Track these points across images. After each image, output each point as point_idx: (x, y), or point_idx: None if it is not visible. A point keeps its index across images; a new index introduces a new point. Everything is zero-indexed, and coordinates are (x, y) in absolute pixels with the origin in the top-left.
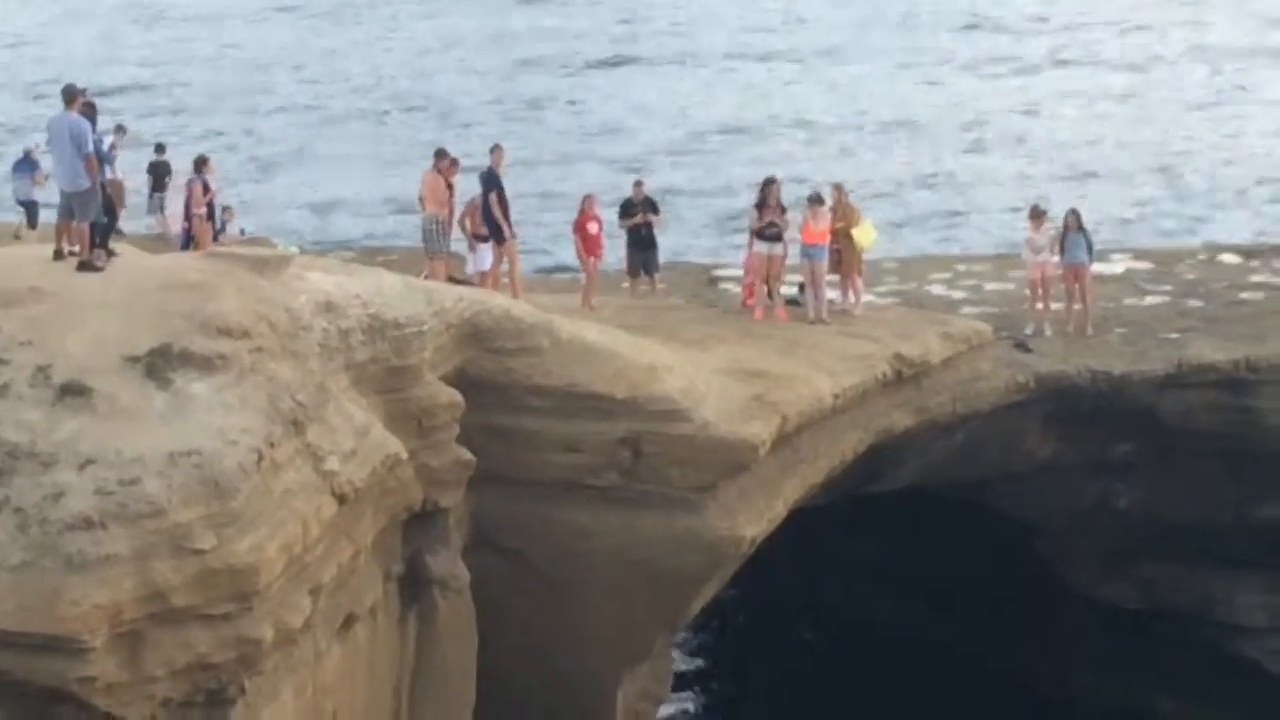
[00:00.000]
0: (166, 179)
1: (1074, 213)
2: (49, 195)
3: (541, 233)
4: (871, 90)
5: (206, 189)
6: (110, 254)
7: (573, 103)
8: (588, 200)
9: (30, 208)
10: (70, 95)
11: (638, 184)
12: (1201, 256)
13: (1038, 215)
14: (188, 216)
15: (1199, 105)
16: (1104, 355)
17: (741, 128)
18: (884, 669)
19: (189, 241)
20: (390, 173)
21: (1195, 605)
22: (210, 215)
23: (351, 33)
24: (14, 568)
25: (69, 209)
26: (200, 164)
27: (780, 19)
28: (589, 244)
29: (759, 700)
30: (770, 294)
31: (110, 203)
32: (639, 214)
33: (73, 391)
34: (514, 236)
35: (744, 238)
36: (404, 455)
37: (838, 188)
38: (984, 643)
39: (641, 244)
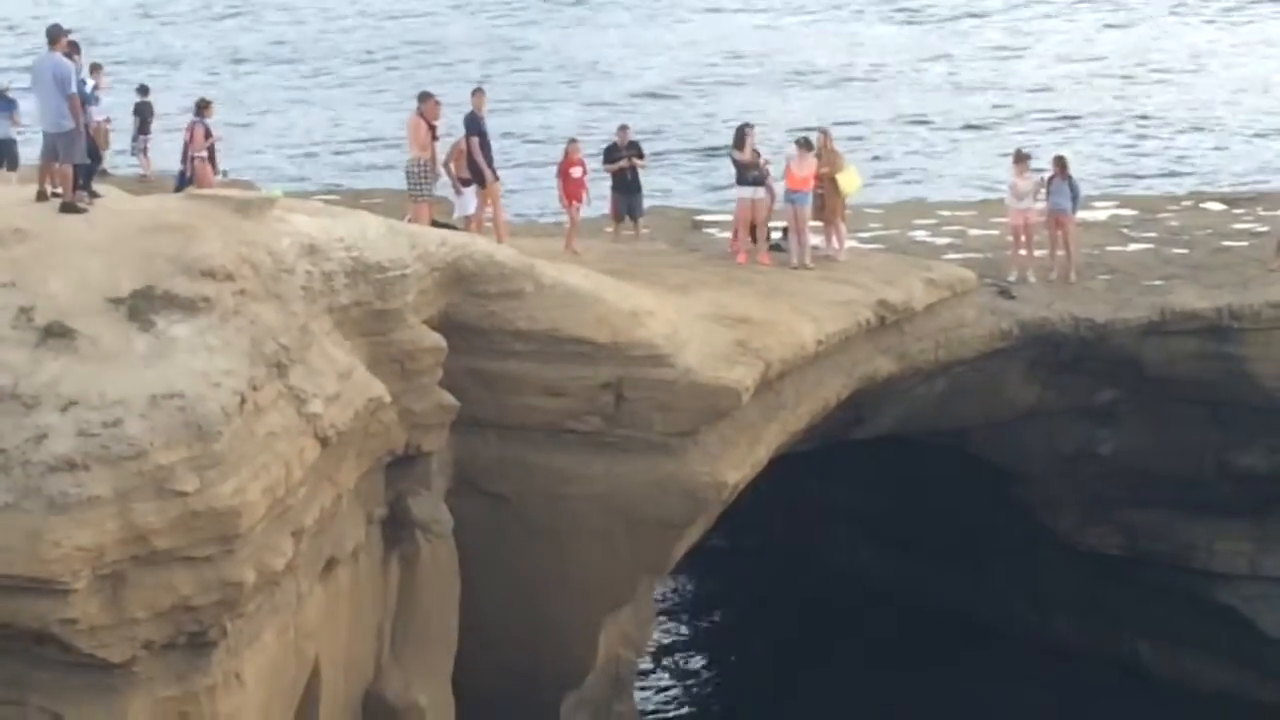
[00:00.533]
0: (150, 120)
1: (1059, 159)
2: (25, 135)
3: (523, 175)
4: (859, 36)
5: (208, 133)
6: (93, 195)
7: (555, 48)
8: (571, 145)
9: (7, 147)
10: (54, 35)
11: (622, 128)
12: (1186, 204)
13: (1021, 160)
14: (185, 159)
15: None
16: (1087, 302)
17: (727, 74)
18: (864, 614)
19: (185, 183)
20: (373, 115)
21: (1175, 552)
22: (212, 158)
23: None
24: None
25: (53, 150)
26: (202, 107)
27: None
28: (571, 188)
29: (738, 645)
30: (754, 239)
31: (93, 144)
32: (623, 158)
33: (55, 333)
34: (496, 180)
35: (726, 183)
36: (387, 399)
37: (823, 133)
38: (965, 589)
39: (626, 188)
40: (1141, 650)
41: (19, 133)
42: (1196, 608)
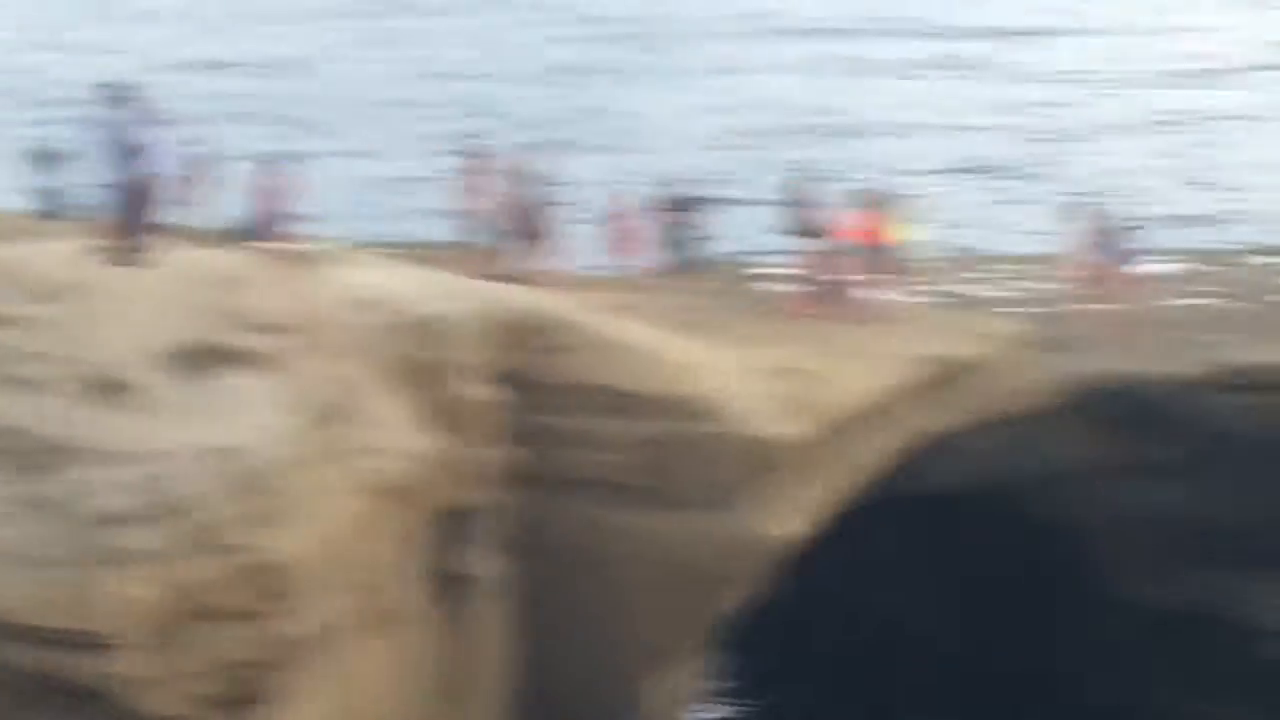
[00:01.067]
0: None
1: (1117, 215)
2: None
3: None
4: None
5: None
6: (146, 249)
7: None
8: (619, 197)
9: (53, 197)
10: (111, 90)
11: (674, 181)
12: (1246, 256)
13: (1081, 211)
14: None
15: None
16: (1145, 357)
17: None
18: (921, 673)
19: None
20: (428, 165)
21: (1248, 613)
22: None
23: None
24: (49, 563)
25: (107, 204)
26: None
27: None
28: (625, 240)
29: (794, 703)
30: (811, 292)
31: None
32: (679, 210)
33: (110, 387)
34: (553, 231)
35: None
36: (437, 454)
37: (880, 188)
38: (1029, 649)
39: (678, 241)
40: (1214, 713)
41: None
42: (1273, 669)
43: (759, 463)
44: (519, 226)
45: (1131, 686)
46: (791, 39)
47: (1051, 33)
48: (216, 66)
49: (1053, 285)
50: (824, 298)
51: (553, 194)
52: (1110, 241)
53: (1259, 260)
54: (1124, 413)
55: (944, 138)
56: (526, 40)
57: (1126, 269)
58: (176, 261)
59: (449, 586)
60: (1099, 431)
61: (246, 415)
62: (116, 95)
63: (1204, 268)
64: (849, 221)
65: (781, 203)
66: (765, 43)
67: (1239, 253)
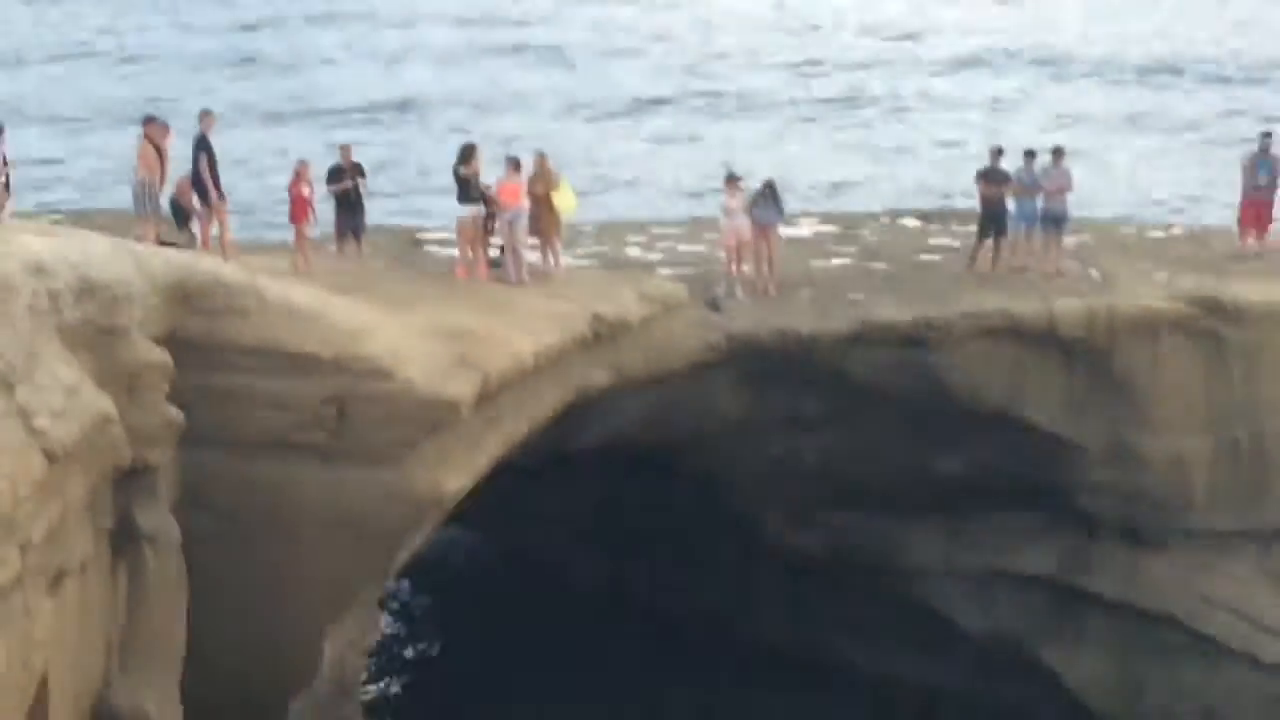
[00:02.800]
0: None
1: (769, 183)
2: None
3: (250, 195)
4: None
5: (4, 160)
6: None
7: (287, 65)
8: (301, 165)
9: None
10: None
11: (344, 148)
12: (884, 220)
13: (733, 180)
14: None
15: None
16: (792, 315)
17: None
18: (583, 619)
19: None
20: (99, 134)
21: (877, 552)
22: (7, 184)
23: None
24: None
25: None
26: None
27: None
28: (299, 207)
29: (460, 647)
30: (475, 256)
31: None
32: (347, 178)
33: None
34: (223, 199)
35: (445, 202)
36: (114, 414)
37: (540, 154)
38: (680, 592)
39: (350, 208)
40: (847, 647)
41: None
42: (899, 606)
43: (428, 420)
44: (192, 194)
45: (779, 626)
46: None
47: None
48: None
49: (705, 248)
50: (488, 261)
51: (220, 162)
52: (764, 204)
53: (900, 223)
54: (773, 368)
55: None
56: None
57: (776, 228)
58: None
59: (125, 545)
60: (750, 387)
61: None
62: None
63: (850, 230)
64: (511, 187)
65: (452, 169)
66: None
67: (877, 216)
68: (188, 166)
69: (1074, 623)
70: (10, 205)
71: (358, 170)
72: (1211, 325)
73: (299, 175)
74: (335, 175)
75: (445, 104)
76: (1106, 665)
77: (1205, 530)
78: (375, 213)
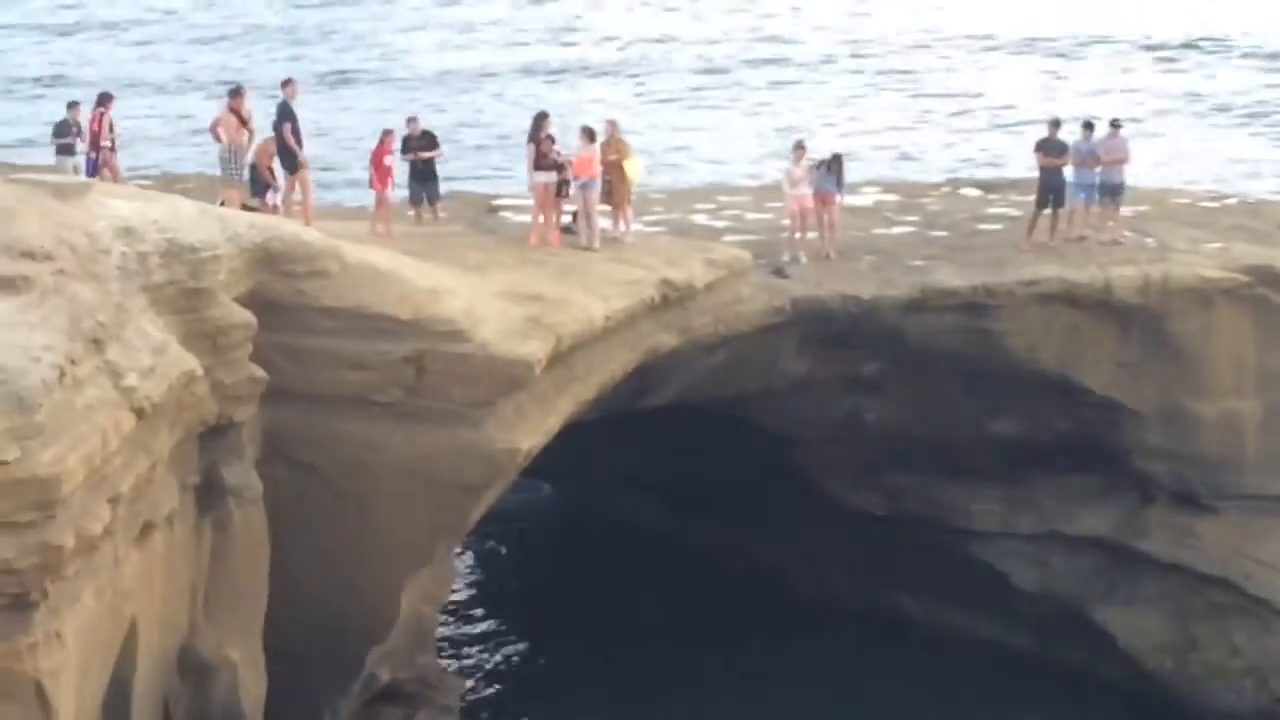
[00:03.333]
0: None
1: (836, 155)
2: None
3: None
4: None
5: (112, 125)
6: None
7: (359, 35)
8: (387, 135)
9: None
10: None
11: (411, 119)
12: (945, 190)
13: (799, 149)
14: (94, 147)
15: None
16: (854, 281)
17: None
18: (653, 571)
19: (95, 169)
20: (187, 100)
21: (936, 512)
22: (113, 147)
23: None
24: None
25: None
26: (105, 99)
27: None
28: (382, 174)
29: (534, 599)
30: (547, 221)
31: None
32: (416, 148)
33: None
34: (306, 165)
35: (520, 168)
36: (199, 372)
37: (611, 123)
38: (746, 546)
39: (421, 176)
40: (907, 603)
41: None
42: (954, 563)
43: (504, 380)
44: (273, 160)
45: (838, 580)
46: None
47: None
48: None
49: (771, 216)
50: (560, 227)
51: (306, 129)
52: (825, 175)
53: (961, 193)
54: (835, 332)
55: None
56: None
57: (839, 199)
58: None
59: (209, 499)
60: (813, 349)
61: (14, 337)
62: None
63: (910, 199)
64: (585, 157)
65: (525, 138)
66: None
67: (942, 185)
68: (268, 133)
69: (1127, 584)
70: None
71: (430, 140)
72: (1263, 293)
73: (383, 144)
74: (406, 146)
75: (518, 74)
76: (1159, 625)
77: (1257, 493)
78: (454, 178)
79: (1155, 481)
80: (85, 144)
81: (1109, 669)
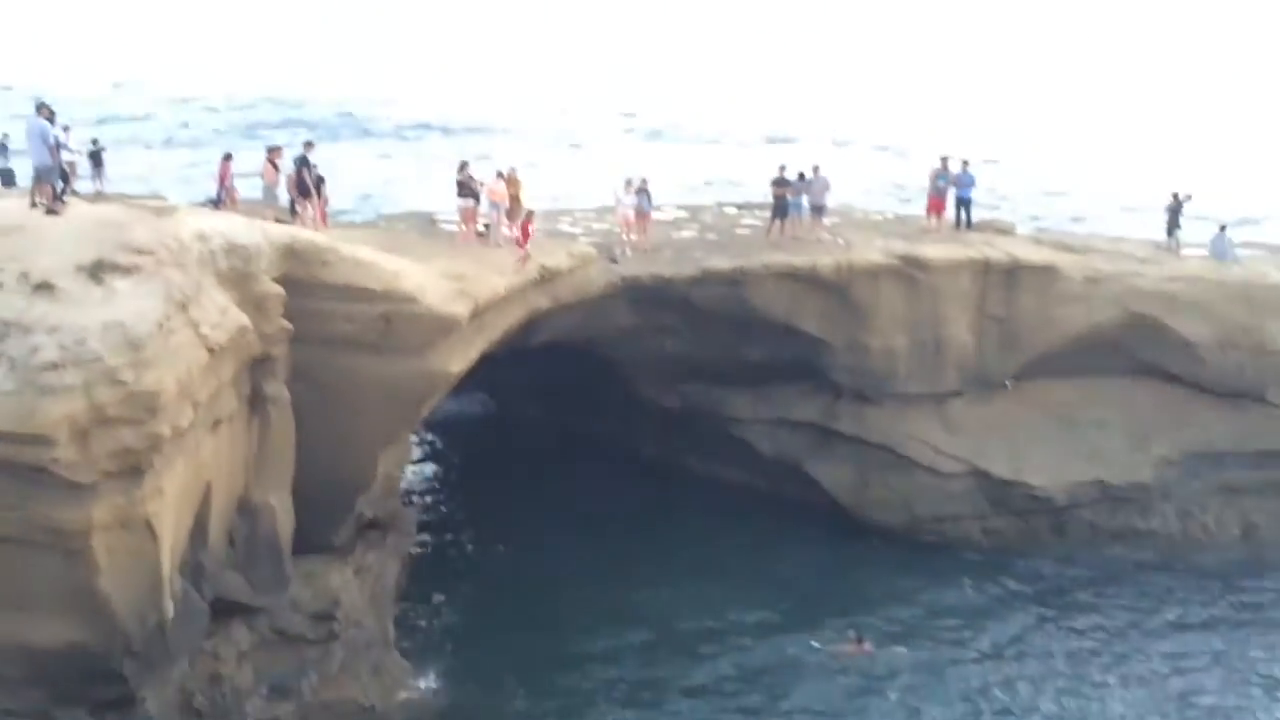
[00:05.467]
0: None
1: (644, 181)
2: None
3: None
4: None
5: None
6: (64, 204)
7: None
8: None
9: (7, 175)
10: (39, 107)
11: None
12: (714, 208)
13: (628, 183)
14: (221, 187)
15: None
16: (661, 265)
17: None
18: (539, 444)
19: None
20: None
21: (711, 407)
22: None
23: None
24: (7, 394)
25: (39, 177)
26: (228, 157)
27: None
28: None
29: (468, 470)
30: (468, 229)
31: (65, 173)
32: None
33: (43, 287)
34: (319, 195)
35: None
36: (249, 325)
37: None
38: (596, 427)
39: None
40: (692, 462)
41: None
42: (726, 439)
43: (442, 328)
44: (297, 191)
45: (654, 449)
46: None
47: None
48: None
49: (607, 225)
50: (477, 233)
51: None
52: (642, 198)
53: (725, 210)
54: (649, 297)
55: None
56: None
57: (650, 214)
58: (84, 212)
59: (257, 404)
60: (635, 308)
61: (131, 303)
62: (42, 107)
63: (693, 215)
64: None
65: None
66: None
67: (712, 208)
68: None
69: (827, 449)
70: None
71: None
72: (910, 272)
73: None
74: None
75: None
76: (847, 474)
77: (904, 393)
78: (406, 202)
79: (844, 387)
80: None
81: (818, 500)
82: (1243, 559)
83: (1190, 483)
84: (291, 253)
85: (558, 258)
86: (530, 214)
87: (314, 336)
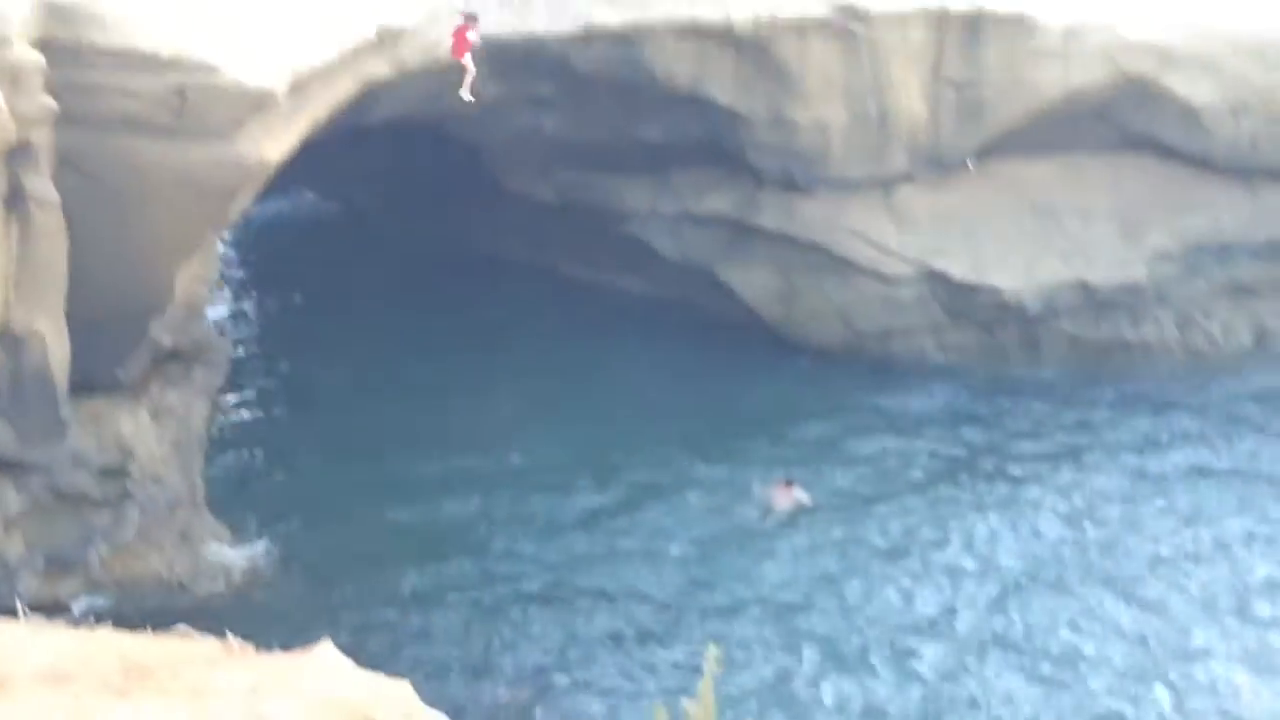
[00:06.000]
0: None
1: None
2: None
3: None
4: None
5: None
6: None
7: None
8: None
9: None
10: None
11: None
12: None
13: None
14: None
15: None
16: (530, 19)
17: None
18: (377, 244)
19: None
20: None
21: (599, 200)
22: None
23: None
24: None
25: None
26: None
27: None
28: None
29: (297, 271)
30: None
31: None
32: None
33: None
34: None
35: None
36: (2, 104)
37: None
38: (454, 228)
39: None
40: (575, 268)
41: None
42: (614, 238)
43: (252, 105)
44: None
45: (526, 254)
46: None
47: None
48: None
49: None
50: None
51: None
52: None
53: None
54: (518, 63)
55: None
56: None
57: None
58: None
59: (16, 204)
60: (501, 75)
61: None
62: None
63: None
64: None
65: None
66: None
67: None
68: None
69: (745, 250)
70: None
71: None
72: (847, 24)
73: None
74: None
75: None
76: (771, 281)
77: (841, 179)
78: None
79: (766, 172)
80: None
81: (734, 314)
82: (1256, 371)
83: (1192, 281)
84: (53, 9)
85: (402, 12)
86: None
87: (88, 117)
